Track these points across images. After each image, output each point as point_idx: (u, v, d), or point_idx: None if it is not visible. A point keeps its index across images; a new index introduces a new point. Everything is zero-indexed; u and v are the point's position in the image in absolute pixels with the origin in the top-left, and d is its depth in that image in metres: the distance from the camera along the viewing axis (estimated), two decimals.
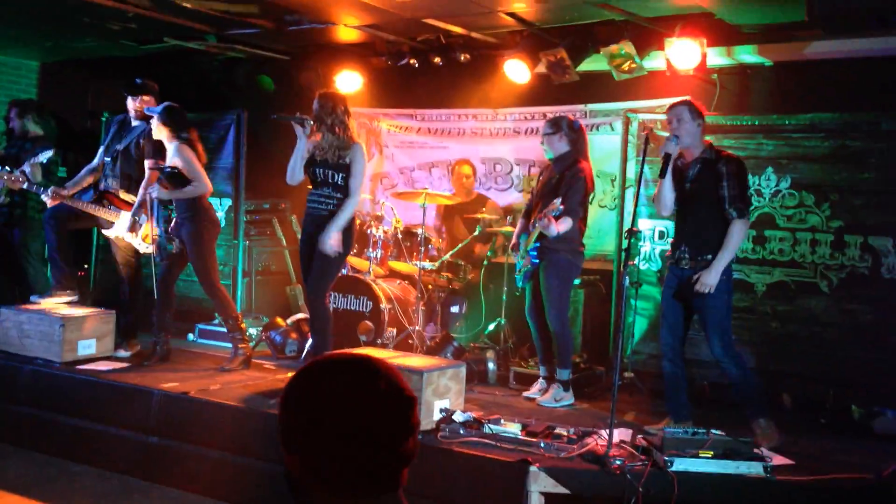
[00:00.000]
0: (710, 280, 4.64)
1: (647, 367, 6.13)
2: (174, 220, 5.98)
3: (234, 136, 7.61)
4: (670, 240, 5.07)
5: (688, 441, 4.07)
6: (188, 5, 6.52)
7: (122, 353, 6.20)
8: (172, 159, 5.81)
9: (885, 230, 5.46)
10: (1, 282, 7.47)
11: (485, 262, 6.81)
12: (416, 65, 7.40)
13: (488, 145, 7.72)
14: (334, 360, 1.58)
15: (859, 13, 5.00)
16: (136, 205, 6.09)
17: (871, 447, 4.84)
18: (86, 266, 8.31)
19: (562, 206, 5.19)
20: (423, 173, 8.07)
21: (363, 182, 5.59)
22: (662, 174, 4.74)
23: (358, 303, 6.48)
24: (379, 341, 6.31)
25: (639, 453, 4.19)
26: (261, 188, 7.94)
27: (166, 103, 5.92)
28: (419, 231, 6.48)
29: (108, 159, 6.31)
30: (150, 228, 6.02)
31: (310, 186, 5.50)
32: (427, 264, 6.54)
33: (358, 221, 6.30)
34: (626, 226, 5.34)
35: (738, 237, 4.70)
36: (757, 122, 5.96)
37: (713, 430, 4.15)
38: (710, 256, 4.70)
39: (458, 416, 4.54)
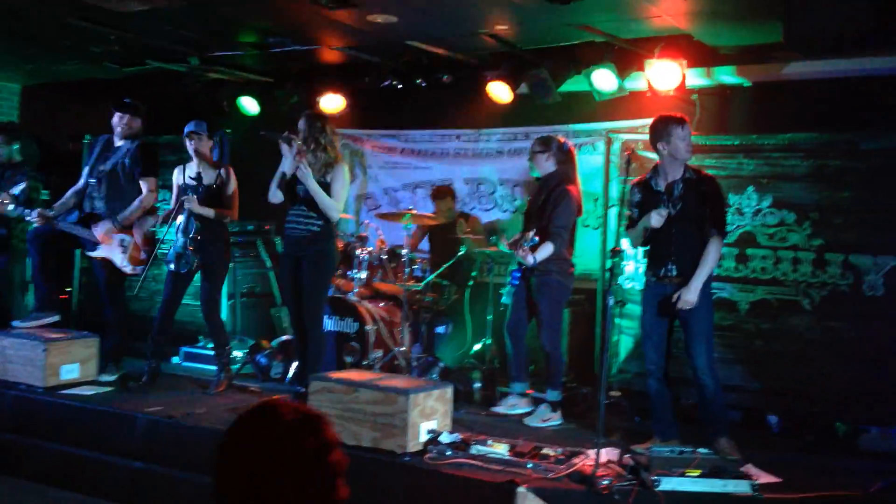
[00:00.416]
0: (692, 297, 4.73)
1: (634, 385, 6.15)
2: (198, 238, 5.93)
3: (217, 157, 7.58)
4: (646, 256, 5.11)
5: (675, 460, 4.09)
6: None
7: (107, 376, 6.13)
8: (221, 178, 5.94)
9: (866, 248, 5.53)
10: None
11: (469, 283, 6.81)
12: (400, 86, 7.43)
13: (472, 166, 7.75)
14: (240, 416, 1.71)
15: (835, 35, 5.08)
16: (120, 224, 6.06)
17: (857, 464, 4.88)
18: (68, 289, 8.24)
19: (536, 238, 5.25)
20: (408, 194, 8.09)
21: (345, 201, 5.63)
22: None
23: (343, 324, 6.46)
24: (364, 362, 6.29)
25: (626, 473, 4.21)
26: (244, 209, 7.90)
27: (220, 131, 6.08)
28: (404, 252, 6.49)
29: (94, 181, 6.27)
30: (135, 250, 5.99)
31: (288, 205, 5.52)
32: (413, 285, 6.54)
33: (342, 243, 6.30)
34: (610, 245, 5.37)
35: (716, 254, 4.84)
36: (737, 142, 6.03)
37: (700, 449, 4.17)
38: None
39: (445, 437, 4.54)
